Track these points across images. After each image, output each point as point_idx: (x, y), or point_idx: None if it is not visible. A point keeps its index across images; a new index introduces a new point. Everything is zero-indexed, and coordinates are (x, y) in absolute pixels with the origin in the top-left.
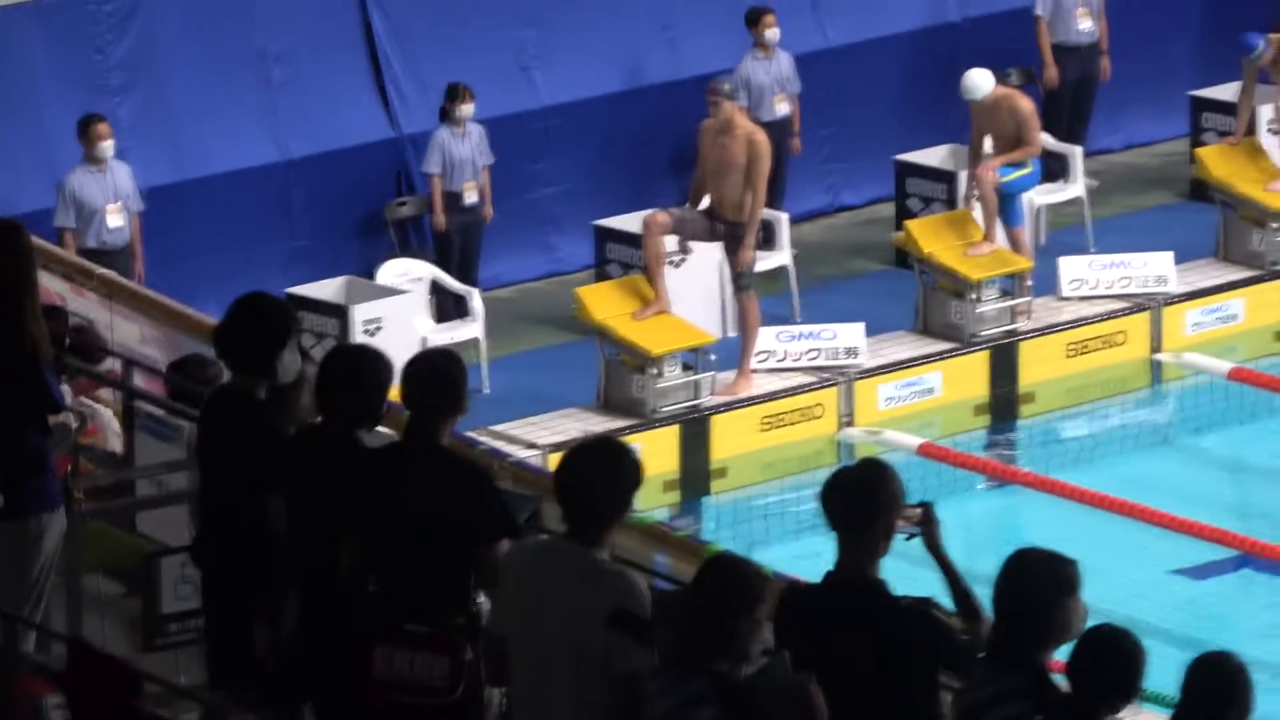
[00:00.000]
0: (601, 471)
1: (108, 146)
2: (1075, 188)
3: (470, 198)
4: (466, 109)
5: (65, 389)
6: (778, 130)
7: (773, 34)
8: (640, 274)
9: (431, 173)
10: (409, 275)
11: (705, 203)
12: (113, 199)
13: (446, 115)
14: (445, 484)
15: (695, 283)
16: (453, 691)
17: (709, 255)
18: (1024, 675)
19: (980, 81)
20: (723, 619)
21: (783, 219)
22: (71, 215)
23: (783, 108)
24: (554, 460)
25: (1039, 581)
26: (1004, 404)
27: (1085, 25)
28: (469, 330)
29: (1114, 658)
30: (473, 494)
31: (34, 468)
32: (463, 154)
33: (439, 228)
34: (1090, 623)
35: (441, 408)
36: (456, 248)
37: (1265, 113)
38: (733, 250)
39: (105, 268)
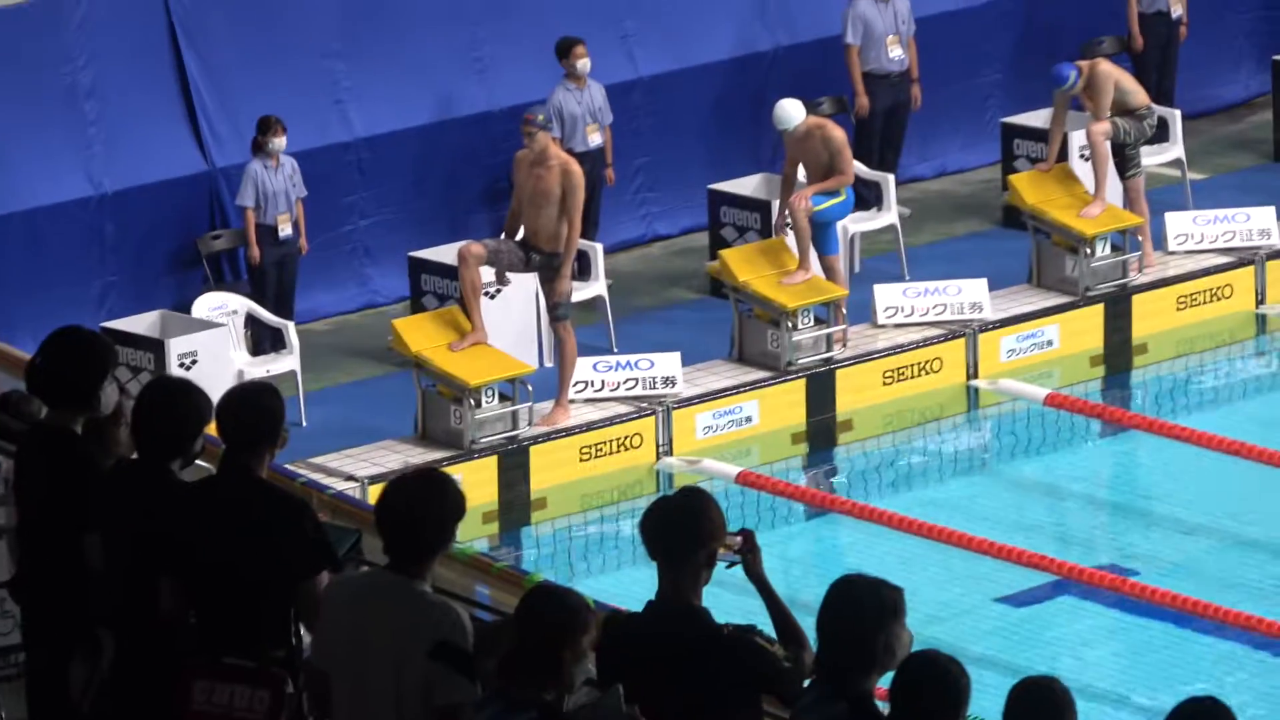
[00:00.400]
0: (424, 503)
1: (281, 141)
2: (888, 215)
3: (285, 230)
4: (279, 142)
5: None
6: (591, 161)
7: (584, 65)
8: (456, 305)
9: (245, 206)
10: (224, 308)
11: (520, 234)
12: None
13: (259, 148)
14: (262, 517)
15: (512, 314)
16: None
17: (525, 286)
18: (847, 702)
19: (792, 112)
20: (546, 649)
21: (598, 249)
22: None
23: (595, 138)
24: (374, 492)
25: (864, 608)
26: (821, 432)
27: (895, 54)
28: (285, 363)
29: (936, 684)
30: (291, 527)
31: None
32: (276, 187)
33: (254, 261)
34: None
35: (258, 440)
36: (272, 281)
37: (1077, 139)
38: (548, 280)
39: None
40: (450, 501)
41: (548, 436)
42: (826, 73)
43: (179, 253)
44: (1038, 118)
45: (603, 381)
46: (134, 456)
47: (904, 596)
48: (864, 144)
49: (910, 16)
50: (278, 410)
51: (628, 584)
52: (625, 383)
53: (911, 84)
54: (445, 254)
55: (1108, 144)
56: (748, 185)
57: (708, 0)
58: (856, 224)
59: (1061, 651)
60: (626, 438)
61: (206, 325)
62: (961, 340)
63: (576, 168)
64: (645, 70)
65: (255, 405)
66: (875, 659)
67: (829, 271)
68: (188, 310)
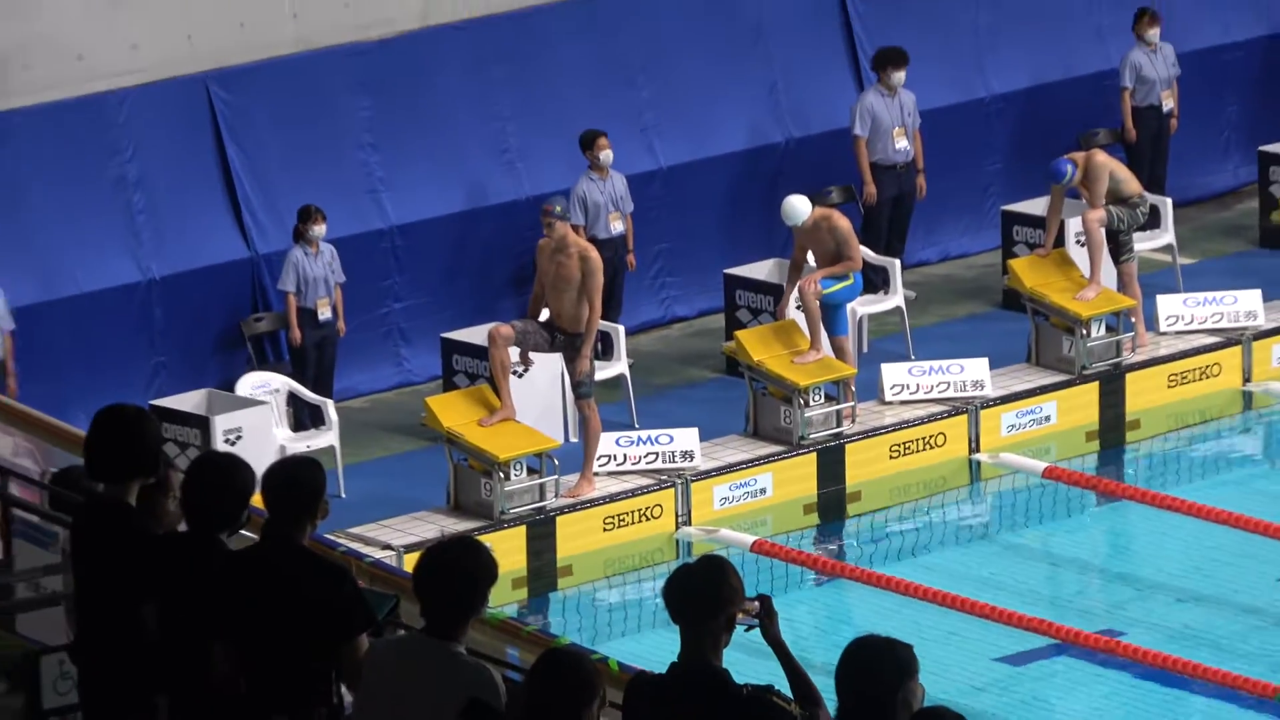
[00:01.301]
0: (460, 568)
1: (321, 229)
2: (895, 298)
3: (324, 314)
4: (318, 229)
5: None
6: (613, 247)
7: (606, 156)
8: (486, 384)
9: (287, 290)
10: (267, 387)
11: (544, 315)
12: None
13: (300, 236)
14: (304, 583)
15: (538, 391)
16: None
17: (550, 365)
18: None
19: (799, 207)
20: (558, 714)
21: (620, 330)
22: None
23: (617, 225)
24: (410, 560)
25: (882, 667)
26: (832, 503)
27: (901, 145)
28: (325, 439)
29: None
30: (331, 592)
31: None
32: (316, 272)
33: (295, 343)
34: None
35: (300, 512)
36: (312, 361)
37: (1073, 225)
38: (571, 360)
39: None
40: (483, 567)
41: (573, 507)
42: (835, 163)
43: (224, 334)
44: (1036, 205)
45: (625, 455)
46: (182, 528)
47: (915, 653)
48: (872, 231)
49: (915, 110)
50: (318, 483)
51: (650, 646)
52: (646, 456)
53: (917, 174)
54: (475, 335)
55: (1102, 230)
56: (761, 270)
57: (723, 95)
58: (865, 306)
59: (1058, 710)
60: (647, 508)
61: (250, 403)
62: (964, 416)
63: (594, 254)
64: (664, 161)
65: (296, 479)
66: (895, 715)
67: (839, 351)
68: (232, 389)
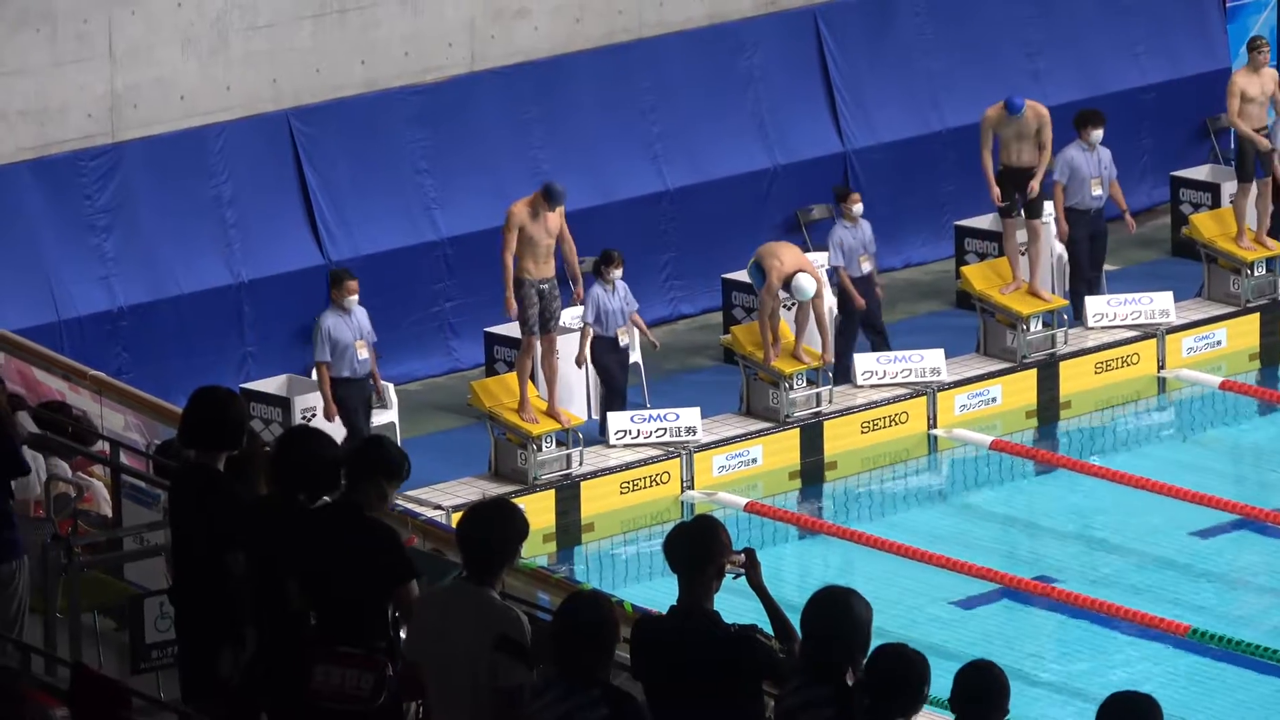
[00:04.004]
0: (496, 524)
1: (354, 299)
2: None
3: (623, 340)
4: (616, 271)
5: (64, 465)
6: (864, 283)
7: (858, 208)
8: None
9: (587, 322)
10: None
11: (533, 276)
12: (358, 336)
13: (600, 275)
14: (364, 538)
15: (563, 374)
16: (375, 700)
17: (572, 351)
18: (832, 686)
19: (808, 285)
20: (581, 646)
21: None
22: (327, 350)
23: (866, 266)
24: (456, 518)
25: (850, 613)
26: (812, 471)
27: (1097, 192)
28: (387, 416)
29: (904, 669)
30: (385, 546)
31: (8, 523)
32: (613, 306)
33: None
34: (883, 642)
35: (361, 481)
36: (618, 377)
37: (1019, 236)
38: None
39: (358, 390)
40: (516, 524)
41: (595, 474)
42: (814, 185)
43: (302, 328)
44: (984, 221)
45: (638, 430)
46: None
47: (868, 601)
48: (1072, 265)
49: (1111, 162)
50: (399, 457)
51: (657, 592)
52: (656, 431)
53: (1121, 213)
54: (513, 329)
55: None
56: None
57: (721, 128)
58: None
59: (1002, 644)
60: (657, 475)
61: None
62: (924, 398)
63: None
64: (671, 184)
65: (382, 450)
66: (855, 653)
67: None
68: (309, 374)
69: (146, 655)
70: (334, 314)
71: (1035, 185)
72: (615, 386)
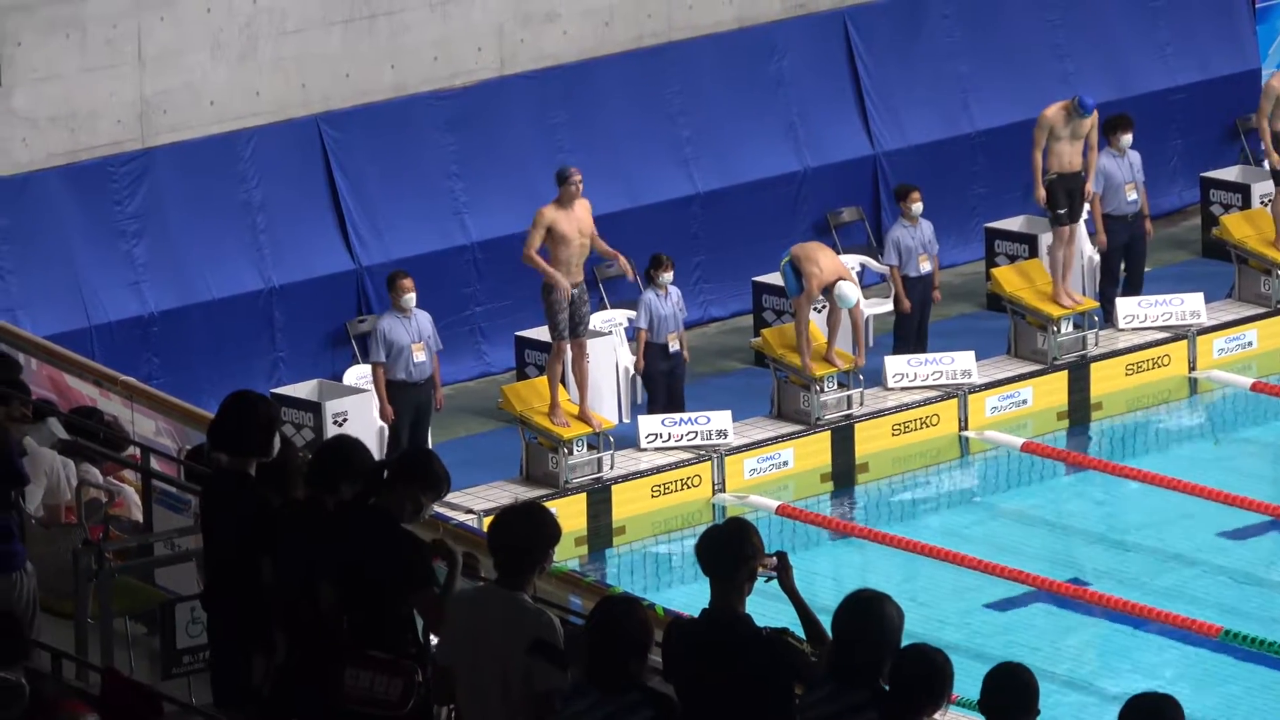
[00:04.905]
0: (527, 529)
1: (411, 298)
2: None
3: (673, 346)
4: (666, 275)
5: (95, 470)
6: (922, 284)
7: (917, 207)
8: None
9: (640, 328)
10: (369, 378)
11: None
12: (416, 339)
13: (651, 279)
14: (391, 545)
15: (597, 381)
16: (404, 706)
17: (605, 353)
18: (866, 691)
19: (850, 294)
20: (616, 651)
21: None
22: (383, 352)
23: (925, 266)
24: (488, 522)
25: (884, 618)
26: (844, 473)
27: (1132, 197)
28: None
29: (926, 669)
30: (404, 552)
31: (5, 534)
32: (665, 311)
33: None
34: (910, 643)
35: (415, 487)
36: (663, 389)
37: (1045, 240)
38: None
39: (412, 397)
40: (548, 528)
41: (626, 477)
42: (844, 188)
43: (332, 333)
44: (1014, 223)
45: (669, 433)
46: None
47: (899, 605)
48: (1106, 272)
49: (1141, 166)
50: (438, 468)
51: (689, 595)
52: (687, 434)
53: (1143, 220)
54: (544, 333)
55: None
56: (782, 280)
57: (751, 130)
58: (870, 309)
59: (1034, 646)
60: (689, 478)
61: (354, 391)
62: (954, 400)
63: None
64: (701, 187)
65: (422, 462)
66: (886, 657)
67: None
68: (340, 379)
69: (178, 660)
70: (392, 315)
71: (1090, 188)
72: (658, 397)
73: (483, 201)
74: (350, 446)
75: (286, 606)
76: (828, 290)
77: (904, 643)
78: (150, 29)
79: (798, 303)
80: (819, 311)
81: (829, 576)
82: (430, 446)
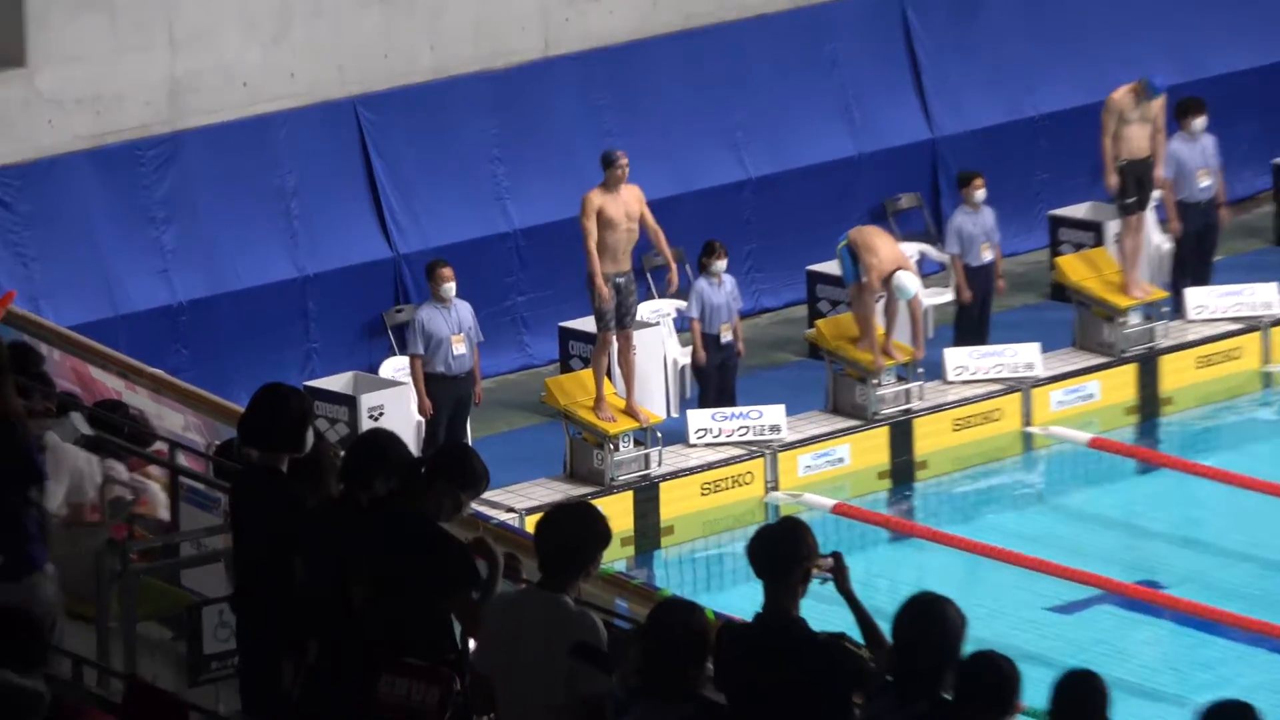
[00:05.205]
0: (576, 529)
1: (450, 287)
2: (952, 293)
3: (726, 337)
4: (719, 263)
5: (120, 466)
6: (984, 273)
7: (980, 194)
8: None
9: (693, 317)
10: (406, 370)
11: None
12: (456, 330)
13: (703, 267)
14: (429, 546)
15: (644, 374)
16: (442, 715)
17: (652, 345)
18: (929, 702)
19: (910, 285)
20: (672, 657)
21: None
22: (421, 344)
23: (988, 254)
24: (530, 522)
25: (946, 623)
26: (902, 470)
27: (1205, 183)
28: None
29: (993, 676)
30: (444, 553)
31: (24, 535)
32: (718, 300)
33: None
34: (975, 649)
35: (454, 485)
36: (714, 382)
37: (1112, 227)
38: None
39: (451, 390)
40: (597, 530)
41: (675, 474)
42: (901, 173)
43: (369, 324)
44: (1079, 210)
45: (720, 429)
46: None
47: (960, 609)
48: (1179, 261)
49: (1216, 151)
50: (476, 464)
51: (740, 599)
52: (739, 430)
53: (1217, 208)
54: (589, 324)
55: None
56: (837, 267)
57: (804, 114)
58: (930, 299)
59: (1103, 652)
60: (740, 475)
61: (391, 384)
62: (1018, 394)
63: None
64: (753, 172)
65: (446, 460)
66: (947, 663)
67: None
68: (376, 371)
69: (205, 666)
70: (430, 306)
71: (1159, 174)
72: (709, 390)
73: (525, 187)
74: (386, 441)
75: (318, 609)
76: (886, 280)
77: (967, 648)
78: (181, 8)
79: (854, 288)
80: (875, 302)
81: (887, 579)
82: (469, 442)
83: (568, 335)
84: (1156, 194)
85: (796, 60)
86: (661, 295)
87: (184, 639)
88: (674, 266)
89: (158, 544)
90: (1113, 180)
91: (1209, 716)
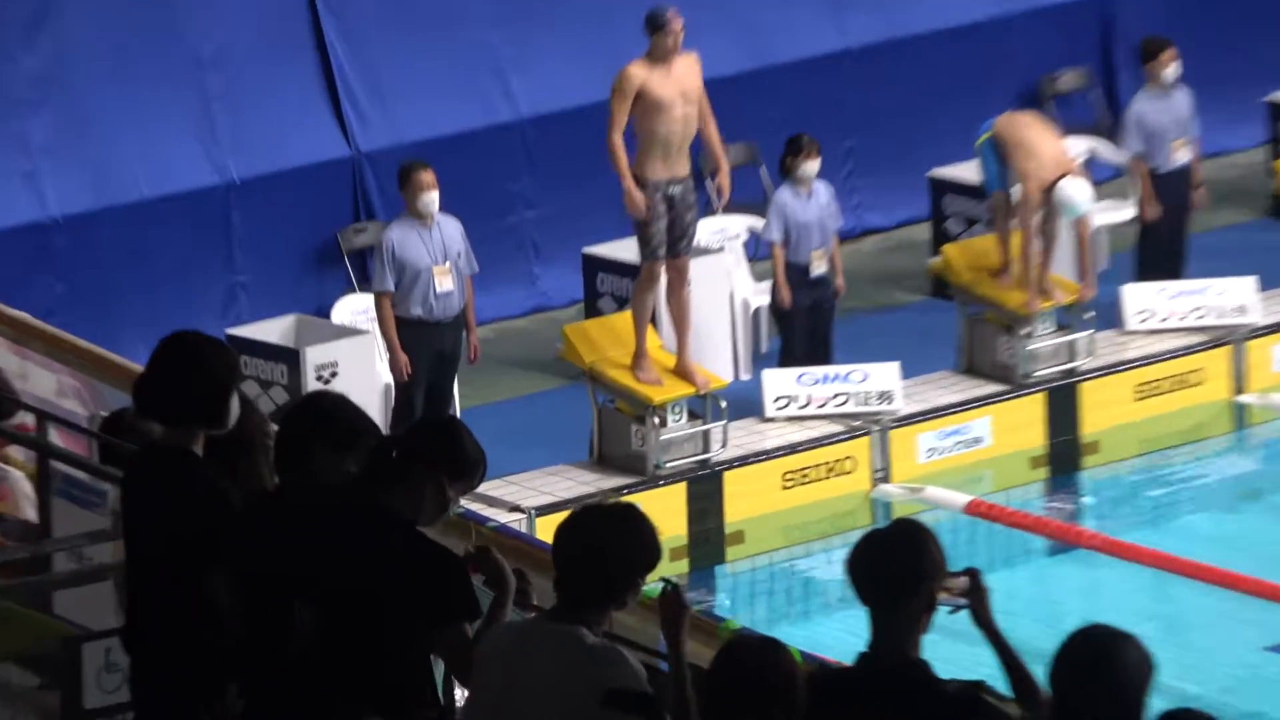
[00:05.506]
0: (609, 537)
1: (432, 199)
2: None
3: (818, 268)
4: (811, 165)
5: None
6: (1177, 180)
7: (1170, 72)
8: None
9: (773, 241)
10: (369, 313)
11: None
12: (440, 259)
13: (787, 172)
14: (403, 558)
15: (701, 318)
16: None
17: (716, 287)
18: None
19: (1079, 197)
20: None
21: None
22: (391, 278)
23: (1182, 155)
24: (543, 526)
25: (1128, 668)
26: (1063, 454)
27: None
28: None
29: None
30: (427, 572)
31: None
32: (807, 218)
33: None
34: (1171, 706)
35: (439, 474)
36: (802, 331)
37: None
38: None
39: (433, 341)
40: (642, 544)
41: (745, 460)
42: (1064, 42)
43: (317, 250)
44: None
45: (808, 396)
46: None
47: (1149, 653)
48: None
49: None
50: (449, 451)
51: (837, 632)
52: (834, 398)
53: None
54: (624, 250)
55: None
56: (974, 171)
57: None
58: (1104, 215)
59: None
60: (836, 462)
61: (348, 332)
62: (1227, 349)
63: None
64: (855, 40)
65: (426, 440)
66: None
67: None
68: (327, 315)
69: None
70: (404, 225)
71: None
72: (794, 342)
73: (535, 61)
74: (331, 406)
75: (245, 645)
76: (1045, 190)
77: (1154, 703)
78: None
79: (999, 200)
80: (1030, 220)
81: (1043, 606)
82: (458, 414)
83: (595, 265)
84: None
85: None
86: (725, 207)
87: (56, 687)
88: (726, 170)
89: (21, 555)
90: None
91: None
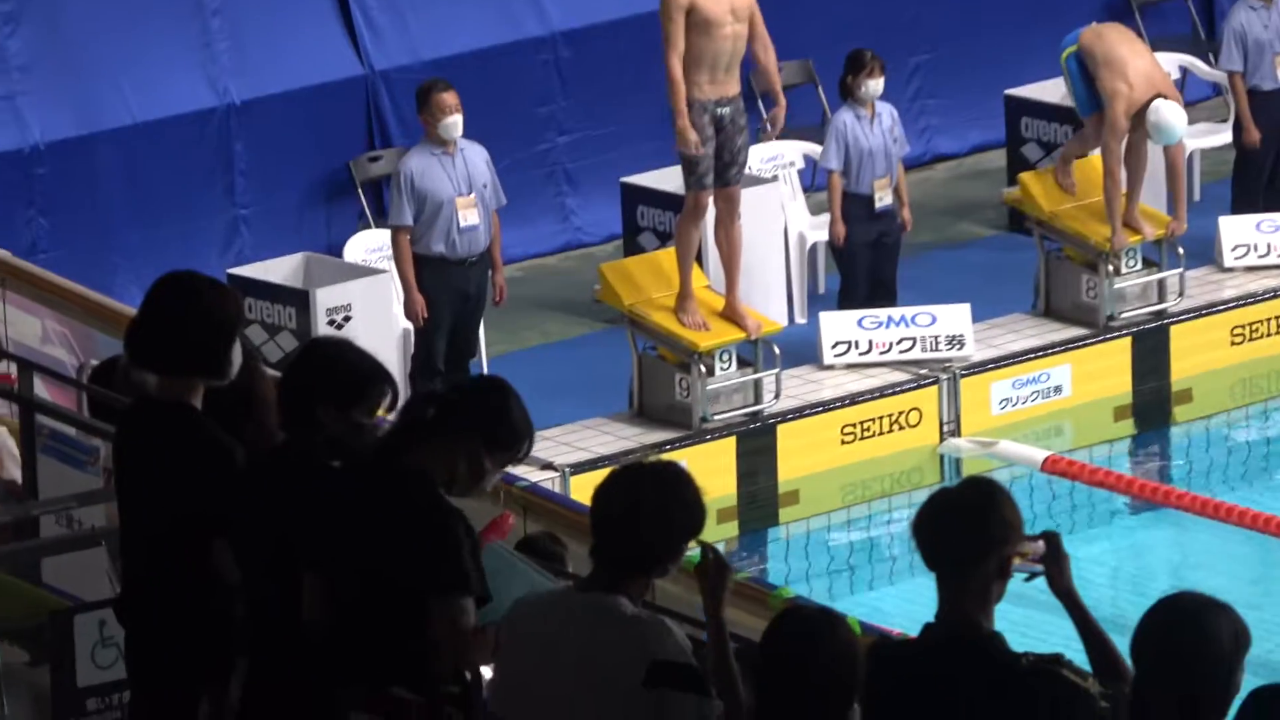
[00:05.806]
0: (651, 499)
1: (455, 123)
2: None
3: (883, 199)
4: (873, 85)
5: None
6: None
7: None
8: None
9: (831, 169)
10: (385, 250)
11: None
12: (464, 189)
13: (849, 92)
14: (419, 524)
15: (754, 257)
16: None
17: (769, 223)
18: None
19: (1175, 121)
20: (808, 697)
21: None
22: (410, 211)
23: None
24: (578, 485)
25: (1220, 638)
26: (1151, 405)
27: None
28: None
29: None
30: (451, 542)
31: None
32: (871, 143)
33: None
34: (1268, 682)
35: (476, 440)
36: (864, 269)
37: None
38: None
39: (456, 281)
40: (685, 507)
41: (801, 413)
42: None
43: (327, 180)
44: None
45: (870, 342)
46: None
47: (1245, 624)
48: None
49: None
50: (493, 415)
51: (900, 601)
52: (900, 343)
53: None
54: (667, 180)
55: None
56: (1055, 91)
57: None
58: (1197, 139)
59: None
60: (901, 414)
61: (363, 271)
62: None
63: None
64: None
65: (467, 401)
66: (1214, 697)
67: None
68: (339, 253)
69: (78, 705)
70: (423, 152)
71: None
72: (856, 282)
73: None
74: (336, 351)
75: (250, 617)
76: (1137, 113)
77: (1249, 679)
78: None
79: (1090, 122)
80: (1118, 146)
81: (1128, 572)
82: (484, 361)
83: (635, 196)
84: None
85: None
86: (778, 136)
87: (46, 664)
88: (782, 104)
89: (5, 519)
90: None
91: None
